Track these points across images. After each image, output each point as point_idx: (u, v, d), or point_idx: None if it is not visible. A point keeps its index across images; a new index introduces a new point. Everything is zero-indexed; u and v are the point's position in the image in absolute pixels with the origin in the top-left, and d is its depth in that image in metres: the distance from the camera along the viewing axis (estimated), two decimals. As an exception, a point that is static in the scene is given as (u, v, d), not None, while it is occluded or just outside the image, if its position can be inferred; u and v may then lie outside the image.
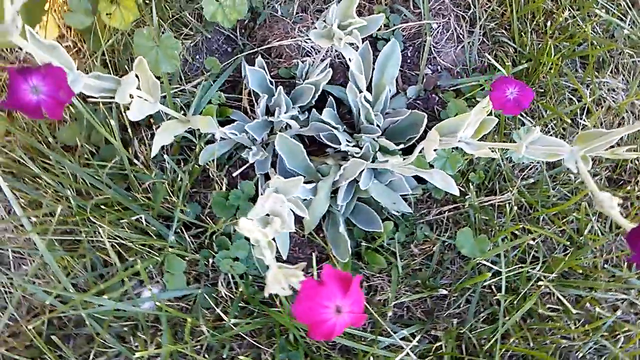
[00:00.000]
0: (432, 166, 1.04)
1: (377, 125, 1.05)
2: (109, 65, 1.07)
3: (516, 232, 1.02)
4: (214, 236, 1.02)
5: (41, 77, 0.47)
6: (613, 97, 1.17)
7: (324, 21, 0.96)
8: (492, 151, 0.64)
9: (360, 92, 1.05)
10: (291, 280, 0.41)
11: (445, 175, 0.85)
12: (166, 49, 0.91)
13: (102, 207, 0.93)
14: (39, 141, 0.99)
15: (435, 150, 0.75)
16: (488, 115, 0.65)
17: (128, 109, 0.73)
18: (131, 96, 0.70)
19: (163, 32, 1.00)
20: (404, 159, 0.99)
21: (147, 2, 1.04)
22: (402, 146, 1.03)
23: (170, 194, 1.00)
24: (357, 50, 1.04)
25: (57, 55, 0.54)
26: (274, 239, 0.60)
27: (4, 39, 0.46)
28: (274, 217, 0.60)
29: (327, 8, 1.21)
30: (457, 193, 0.83)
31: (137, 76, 0.70)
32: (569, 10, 1.19)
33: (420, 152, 0.81)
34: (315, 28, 1.07)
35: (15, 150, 0.95)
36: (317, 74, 1.09)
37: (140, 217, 0.97)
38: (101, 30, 1.03)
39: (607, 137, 0.48)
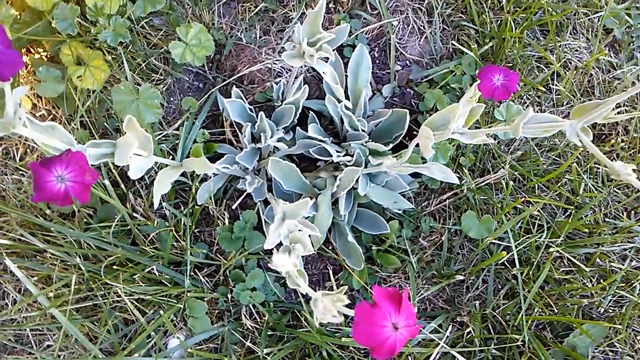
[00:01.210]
0: (424, 159, 1.06)
1: (362, 130, 1.07)
2: (87, 126, 1.07)
3: (518, 205, 1.04)
4: (227, 271, 1.02)
5: (64, 165, 0.48)
6: (577, 58, 1.21)
7: (292, 41, 0.98)
8: (488, 136, 0.66)
9: (340, 101, 1.07)
10: (338, 306, 0.42)
11: (441, 166, 0.87)
12: (146, 99, 0.91)
13: (114, 267, 0.92)
14: (36, 215, 0.99)
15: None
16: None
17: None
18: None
19: (138, 84, 1.00)
20: (397, 157, 1.01)
21: (114, 56, 1.04)
22: (391, 146, 1.05)
23: (177, 239, 1.00)
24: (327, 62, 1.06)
25: (57, 135, 0.55)
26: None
27: (7, 131, 0.47)
28: (295, 244, 0.61)
29: (287, 27, 1.22)
30: (457, 181, 0.85)
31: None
32: (519, -17, 1.22)
33: (414, 148, 0.83)
34: (283, 49, 1.08)
35: (14, 230, 0.94)
36: (294, 92, 1.10)
37: (152, 269, 0.97)
38: (71, 93, 1.03)
39: (602, 107, 0.50)
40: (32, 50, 1.12)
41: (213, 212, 1.07)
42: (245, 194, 1.11)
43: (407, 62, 1.23)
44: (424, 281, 1.05)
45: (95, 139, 0.98)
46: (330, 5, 1.22)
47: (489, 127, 1.03)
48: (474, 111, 0.68)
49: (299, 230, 0.71)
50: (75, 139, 0.97)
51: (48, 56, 1.11)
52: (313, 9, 1.23)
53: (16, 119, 0.47)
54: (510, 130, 0.59)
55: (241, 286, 1.01)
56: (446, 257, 1.07)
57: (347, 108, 1.06)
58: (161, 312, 0.89)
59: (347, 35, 0.97)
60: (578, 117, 0.53)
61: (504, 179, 1.05)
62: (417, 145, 0.78)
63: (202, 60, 1.00)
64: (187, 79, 1.19)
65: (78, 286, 0.92)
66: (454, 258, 1.08)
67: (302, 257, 1.11)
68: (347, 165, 1.05)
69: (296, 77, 1.14)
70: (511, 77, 0.60)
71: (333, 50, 1.06)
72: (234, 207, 1.09)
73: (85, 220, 1.00)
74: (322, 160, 1.13)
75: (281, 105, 1.12)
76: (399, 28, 1.23)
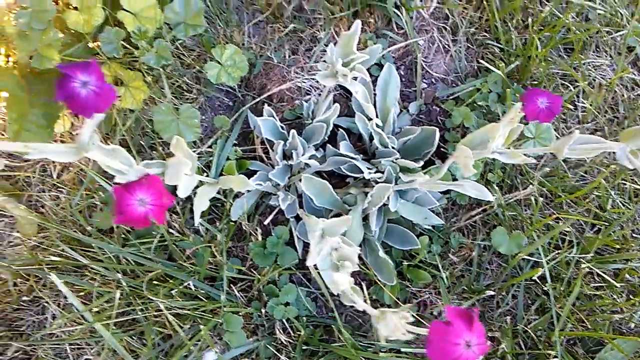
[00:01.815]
0: (453, 176, 1.08)
1: (392, 147, 1.09)
2: (123, 144, 1.10)
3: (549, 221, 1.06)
4: (260, 286, 1.04)
5: (144, 189, 0.50)
6: (601, 75, 1.23)
7: (324, 61, 1.00)
8: (528, 157, 0.68)
9: (370, 119, 1.09)
10: (403, 323, 0.44)
11: (475, 184, 0.89)
12: (186, 119, 0.94)
13: (154, 282, 0.94)
14: (75, 231, 1.01)
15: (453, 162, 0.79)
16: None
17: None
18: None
19: (174, 104, 1.03)
20: (427, 174, 1.03)
21: (151, 76, 1.07)
22: (421, 163, 1.06)
23: (214, 254, 1.02)
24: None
25: (119, 156, 0.57)
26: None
27: (80, 155, 0.49)
28: (344, 262, 0.63)
29: (315, 47, 1.25)
30: (492, 199, 0.87)
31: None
32: (543, 3, 1.25)
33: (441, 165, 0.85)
34: (312, 68, 1.11)
35: (55, 245, 0.97)
36: (324, 111, 1.13)
37: (189, 284, 0.99)
38: (110, 113, 1.06)
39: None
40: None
41: (246, 228, 1.09)
42: (276, 210, 1.13)
43: (433, 80, 1.26)
44: (455, 296, 1.06)
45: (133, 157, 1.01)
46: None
47: (519, 146, 1.05)
48: (513, 131, 0.70)
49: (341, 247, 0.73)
50: None
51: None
52: (340, 29, 1.27)
53: (90, 144, 0.50)
54: (553, 151, 0.61)
55: (275, 301, 1.03)
56: (476, 272, 1.08)
57: (377, 126, 1.08)
58: (201, 326, 0.90)
59: (378, 55, 1.00)
60: (626, 141, 0.55)
61: (533, 196, 1.06)
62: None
63: (236, 81, 1.03)
64: (218, 97, 1.22)
65: (118, 301, 0.94)
66: (483, 273, 1.09)
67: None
68: (377, 182, 1.06)
69: (326, 96, 1.16)
70: (555, 100, 0.62)
71: (363, 69, 1.10)
72: (266, 223, 1.11)
73: (123, 236, 1.02)
74: (352, 177, 1.15)
75: (312, 123, 1.14)
76: (424, 47, 1.26)
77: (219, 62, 1.02)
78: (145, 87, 0.98)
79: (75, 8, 0.97)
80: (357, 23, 0.92)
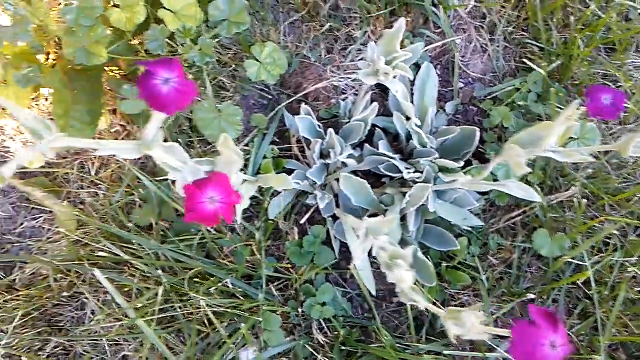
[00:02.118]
0: (494, 176, 1.06)
1: (431, 147, 1.08)
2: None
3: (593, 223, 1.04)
4: (297, 285, 1.04)
5: (214, 187, 0.50)
6: (643, 75, 1.21)
7: (365, 60, 1.00)
8: (591, 156, 0.66)
9: (409, 119, 1.08)
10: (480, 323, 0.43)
11: (521, 184, 0.87)
12: (228, 117, 0.94)
13: (194, 280, 0.94)
14: (115, 227, 1.01)
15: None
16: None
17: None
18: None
19: (220, 102, 1.03)
20: (470, 175, 1.01)
21: (192, 74, 1.07)
22: (461, 163, 1.05)
23: (252, 252, 1.02)
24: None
25: (176, 153, 0.57)
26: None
27: (143, 153, 0.49)
28: (397, 260, 0.62)
29: (350, 45, 1.24)
30: (539, 199, 0.85)
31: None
32: (583, 2, 1.23)
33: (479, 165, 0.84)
34: (348, 67, 1.11)
35: (97, 241, 0.97)
36: (362, 110, 1.12)
37: (226, 282, 0.98)
38: (148, 110, 1.07)
39: None
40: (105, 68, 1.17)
41: (282, 227, 1.09)
42: (313, 209, 1.12)
43: (470, 79, 1.24)
44: (494, 299, 1.05)
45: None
46: (394, 24, 1.24)
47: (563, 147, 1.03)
48: (568, 130, 0.69)
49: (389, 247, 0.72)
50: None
51: (121, 74, 1.15)
52: (377, 28, 1.26)
53: (154, 141, 0.50)
54: (617, 149, 0.60)
55: (312, 301, 1.02)
56: (515, 275, 1.07)
57: (416, 125, 1.07)
58: (241, 325, 0.90)
59: (420, 53, 0.99)
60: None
61: (576, 197, 1.04)
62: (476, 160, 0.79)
63: (276, 78, 1.02)
64: (253, 95, 1.22)
65: (157, 298, 0.94)
66: (523, 276, 1.08)
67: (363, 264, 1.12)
68: (415, 182, 1.05)
69: (364, 95, 1.16)
70: (619, 96, 0.61)
71: (403, 68, 1.09)
72: (302, 222, 1.11)
73: (162, 233, 1.02)
74: (388, 177, 1.14)
75: (349, 122, 1.14)
76: (462, 46, 1.24)
77: (258, 60, 1.01)
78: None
79: (117, 6, 0.97)
80: (401, 21, 0.91)
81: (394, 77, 0.98)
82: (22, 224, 1.10)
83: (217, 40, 1.17)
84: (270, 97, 1.24)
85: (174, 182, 0.61)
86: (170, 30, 0.92)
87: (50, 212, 1.10)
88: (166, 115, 0.46)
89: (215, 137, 0.93)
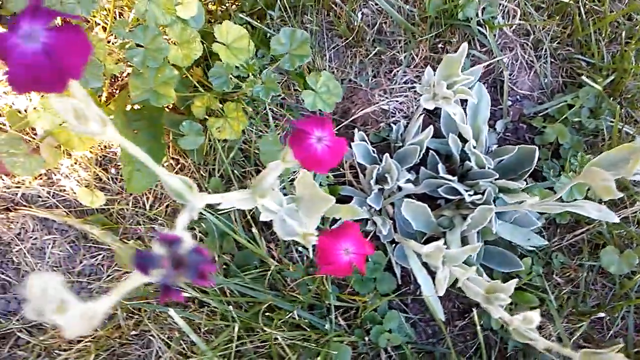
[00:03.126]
0: (561, 198, 1.05)
1: (489, 168, 1.07)
2: (211, 173, 1.10)
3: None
4: (363, 313, 1.02)
5: (348, 238, 0.49)
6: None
7: (422, 84, 0.99)
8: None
9: (465, 140, 1.07)
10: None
11: (597, 205, 0.86)
12: (293, 149, 0.93)
13: (266, 314, 0.94)
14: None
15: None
16: None
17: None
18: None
19: (260, 130, 1.03)
20: (531, 195, 1.00)
21: (253, 107, 1.08)
22: (524, 184, 1.04)
23: (321, 282, 1.01)
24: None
25: (275, 198, 0.57)
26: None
27: (258, 201, 0.49)
28: (498, 294, 0.61)
29: (395, 68, 1.24)
30: (617, 220, 0.84)
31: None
32: (629, 15, 1.22)
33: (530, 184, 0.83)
34: (394, 91, 1.10)
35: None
36: (414, 133, 1.12)
37: (293, 314, 0.98)
38: (203, 144, 1.07)
39: None
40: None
41: (342, 254, 1.08)
42: (370, 235, 1.11)
43: (518, 97, 1.24)
44: (563, 319, 1.03)
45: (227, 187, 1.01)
46: (439, 45, 1.24)
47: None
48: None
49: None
50: (208, 188, 1.00)
51: (170, 107, 1.16)
52: (421, 49, 1.26)
53: (269, 188, 0.49)
54: None
55: (378, 329, 1.01)
56: (582, 293, 1.05)
57: (474, 147, 1.06)
58: (315, 358, 0.89)
59: (479, 75, 0.98)
60: None
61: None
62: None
63: (332, 107, 1.02)
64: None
65: (234, 333, 0.93)
66: (588, 294, 1.06)
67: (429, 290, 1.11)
68: (475, 204, 1.04)
69: (417, 118, 1.15)
70: None
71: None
72: (361, 248, 1.10)
73: (224, 266, 1.02)
74: (444, 199, 1.13)
75: (402, 145, 1.13)
76: (508, 64, 1.24)
77: (313, 90, 1.01)
78: (245, 117, 0.99)
79: (175, 43, 0.98)
80: (464, 46, 0.91)
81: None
82: (81, 262, 1.10)
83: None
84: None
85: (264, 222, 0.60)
86: (234, 66, 0.92)
87: (109, 249, 1.10)
88: (317, 172, 0.45)
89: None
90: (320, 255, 0.49)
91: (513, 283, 0.62)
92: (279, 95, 1.20)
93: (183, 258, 0.34)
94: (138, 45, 0.85)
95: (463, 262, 1.08)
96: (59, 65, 0.29)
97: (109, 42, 1.18)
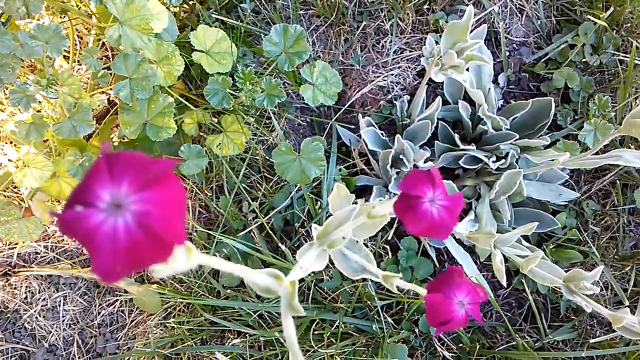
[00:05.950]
0: (584, 145, 1.01)
1: (506, 129, 1.02)
2: (216, 190, 1.03)
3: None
4: (406, 306, 0.98)
5: (460, 289, 0.43)
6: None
7: (425, 56, 0.93)
8: None
9: (479, 105, 1.01)
10: None
11: (635, 152, 0.82)
12: (309, 154, 0.86)
13: (314, 329, 0.88)
14: (206, 296, 0.94)
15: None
16: None
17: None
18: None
19: (263, 134, 0.95)
20: (555, 150, 0.96)
21: (257, 115, 0.99)
22: (548, 140, 0.99)
23: (362, 288, 0.96)
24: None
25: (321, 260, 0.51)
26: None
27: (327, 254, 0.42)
28: (584, 283, 0.56)
29: (382, 39, 1.17)
30: (661, 165, 0.80)
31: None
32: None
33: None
34: (387, 64, 1.04)
35: (197, 313, 0.90)
36: (420, 107, 1.05)
37: (340, 323, 0.93)
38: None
39: None
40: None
41: (372, 248, 1.03)
42: (396, 222, 1.06)
43: (514, 45, 1.18)
44: (610, 269, 1.00)
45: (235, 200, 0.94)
46: (425, 7, 1.17)
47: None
48: None
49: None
50: (218, 207, 0.93)
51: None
52: (408, 14, 1.18)
53: (340, 238, 0.43)
54: None
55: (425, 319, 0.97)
56: (622, 237, 1.02)
57: (488, 110, 1.01)
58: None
59: (484, 36, 0.92)
60: None
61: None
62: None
63: (334, 99, 0.94)
64: (296, 116, 1.14)
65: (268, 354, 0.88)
66: (627, 236, 1.03)
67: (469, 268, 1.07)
68: (500, 169, 1.00)
69: (421, 91, 1.09)
70: None
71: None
72: (389, 238, 1.05)
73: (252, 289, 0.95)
74: (461, 168, 1.08)
75: (409, 122, 1.07)
76: (498, 13, 1.17)
77: (310, 82, 0.93)
78: (246, 128, 0.90)
79: (152, 61, 0.88)
80: (470, 9, 0.84)
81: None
82: (99, 314, 1.02)
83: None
84: (311, 113, 1.16)
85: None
86: (231, 80, 0.83)
87: (126, 293, 1.02)
88: (437, 239, 0.38)
89: (297, 180, 0.86)
90: (433, 314, 0.43)
91: (598, 272, 0.57)
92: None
93: None
94: (120, 77, 0.76)
95: (498, 231, 1.04)
96: (159, 236, 0.22)
97: (74, 70, 1.07)
